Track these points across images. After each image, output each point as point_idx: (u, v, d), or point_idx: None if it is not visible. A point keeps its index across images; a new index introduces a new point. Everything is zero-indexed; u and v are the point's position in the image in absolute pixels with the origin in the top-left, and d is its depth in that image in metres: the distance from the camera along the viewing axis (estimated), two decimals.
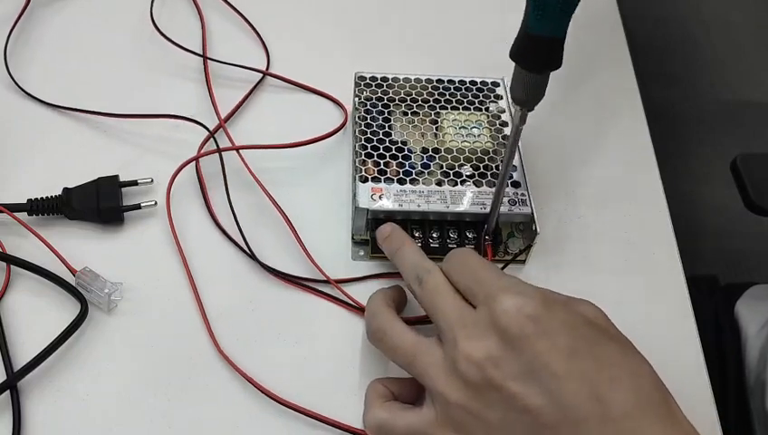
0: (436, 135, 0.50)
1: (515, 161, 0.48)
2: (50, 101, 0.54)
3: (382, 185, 0.46)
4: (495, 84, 0.53)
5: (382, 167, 0.47)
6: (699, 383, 0.44)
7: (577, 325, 0.35)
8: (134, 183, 0.49)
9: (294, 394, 0.41)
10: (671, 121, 1.26)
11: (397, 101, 0.51)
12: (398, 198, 0.46)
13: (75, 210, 0.47)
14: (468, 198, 0.46)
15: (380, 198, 0.46)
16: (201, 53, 0.58)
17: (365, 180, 0.46)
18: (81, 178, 0.48)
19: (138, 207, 0.48)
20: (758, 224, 0.80)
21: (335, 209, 0.50)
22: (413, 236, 0.46)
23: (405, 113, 0.51)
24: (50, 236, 0.46)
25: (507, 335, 0.34)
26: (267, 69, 0.58)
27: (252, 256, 0.46)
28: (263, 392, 0.41)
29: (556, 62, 0.38)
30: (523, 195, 0.47)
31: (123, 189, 0.48)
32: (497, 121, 0.50)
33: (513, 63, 0.38)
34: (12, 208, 0.46)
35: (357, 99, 0.51)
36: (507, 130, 0.50)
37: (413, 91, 0.52)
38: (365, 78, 0.52)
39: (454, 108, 0.51)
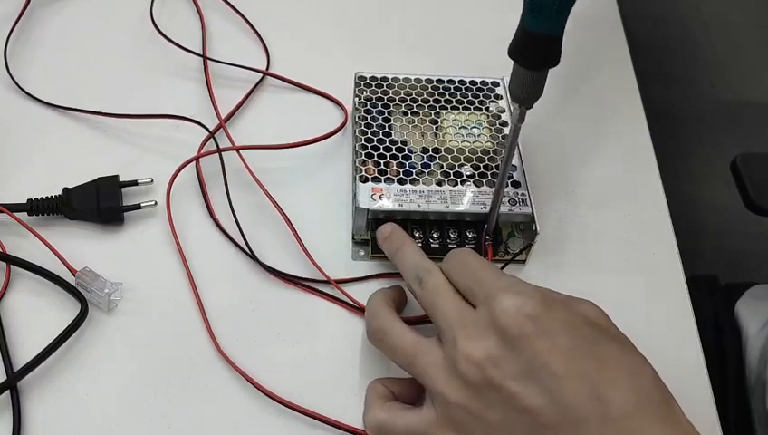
0: (436, 135, 0.50)
1: (515, 161, 0.48)
2: (50, 101, 0.54)
3: (382, 185, 0.46)
4: (495, 84, 0.53)
5: (382, 167, 0.47)
6: (699, 383, 0.43)
7: (577, 325, 0.35)
8: (134, 183, 0.49)
9: (294, 394, 0.41)
10: (671, 121, 1.25)
11: (397, 101, 0.51)
12: (399, 197, 0.46)
13: (75, 210, 0.47)
14: (468, 198, 0.46)
15: (381, 198, 0.46)
16: (201, 53, 0.58)
17: (365, 180, 0.46)
18: (81, 178, 0.48)
19: (138, 207, 0.48)
20: (758, 224, 0.80)
21: (335, 209, 0.50)
22: (413, 236, 0.46)
23: (405, 113, 0.51)
24: (50, 236, 0.46)
25: (507, 335, 0.34)
26: (267, 69, 0.58)
27: (252, 256, 0.46)
28: (262, 392, 0.41)
29: (554, 60, 0.38)
30: (523, 195, 0.47)
31: (123, 189, 0.48)
32: (497, 121, 0.50)
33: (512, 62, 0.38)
34: (12, 208, 0.46)
35: (357, 99, 0.51)
36: (507, 130, 0.50)
37: (413, 92, 0.52)
38: (365, 78, 0.52)
39: (454, 108, 0.51)
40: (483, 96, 0.52)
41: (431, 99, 0.51)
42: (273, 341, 0.44)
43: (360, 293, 0.45)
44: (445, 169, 0.48)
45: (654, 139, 0.55)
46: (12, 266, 0.45)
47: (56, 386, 0.41)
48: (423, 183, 0.47)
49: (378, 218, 0.46)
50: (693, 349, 0.45)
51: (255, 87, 0.56)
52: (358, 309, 0.45)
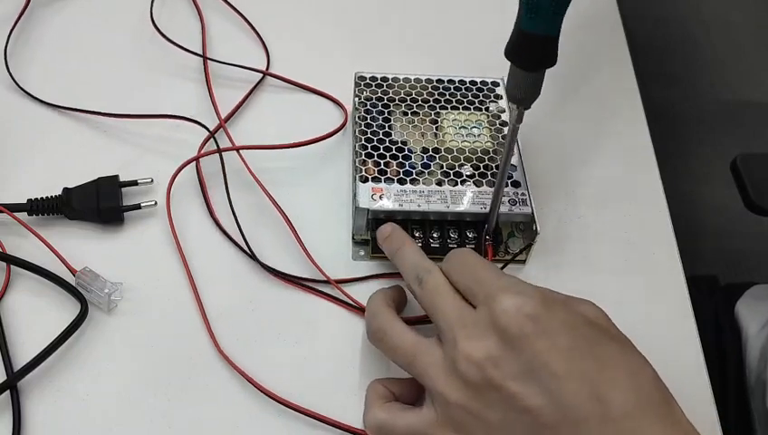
0: (436, 135, 0.50)
1: (515, 161, 0.48)
2: (50, 101, 0.54)
3: (382, 185, 0.46)
4: (495, 84, 0.53)
5: (382, 167, 0.47)
6: (699, 383, 0.43)
7: (577, 325, 0.35)
8: (134, 183, 0.49)
9: (294, 394, 0.41)
10: (671, 121, 1.25)
11: (397, 101, 0.51)
12: (399, 197, 0.46)
13: (75, 210, 0.47)
14: (468, 198, 0.46)
15: (381, 197, 0.46)
16: (201, 54, 0.58)
17: (365, 180, 0.46)
18: (81, 178, 0.48)
19: (138, 207, 0.48)
20: (758, 224, 0.80)
21: (335, 209, 0.50)
22: (413, 236, 0.46)
23: (405, 113, 0.51)
24: (50, 236, 0.46)
25: (507, 335, 0.34)
26: (267, 69, 0.58)
27: (252, 256, 0.46)
28: (262, 392, 0.41)
29: (551, 60, 0.38)
30: (523, 195, 0.47)
31: (123, 189, 0.48)
32: (497, 121, 0.50)
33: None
34: (12, 208, 0.46)
35: (357, 99, 0.51)
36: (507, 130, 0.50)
37: (413, 92, 0.52)
38: (365, 78, 0.52)
39: (454, 108, 0.51)
40: (483, 96, 0.52)
41: (431, 99, 0.51)
42: (273, 341, 0.44)
43: (360, 293, 0.45)
44: (445, 169, 0.48)
45: (654, 139, 0.55)
46: (12, 266, 0.45)
47: (56, 386, 0.41)
48: (423, 183, 0.47)
49: (378, 218, 0.46)
50: (693, 349, 0.45)
51: (255, 87, 0.56)
52: (358, 309, 0.45)
